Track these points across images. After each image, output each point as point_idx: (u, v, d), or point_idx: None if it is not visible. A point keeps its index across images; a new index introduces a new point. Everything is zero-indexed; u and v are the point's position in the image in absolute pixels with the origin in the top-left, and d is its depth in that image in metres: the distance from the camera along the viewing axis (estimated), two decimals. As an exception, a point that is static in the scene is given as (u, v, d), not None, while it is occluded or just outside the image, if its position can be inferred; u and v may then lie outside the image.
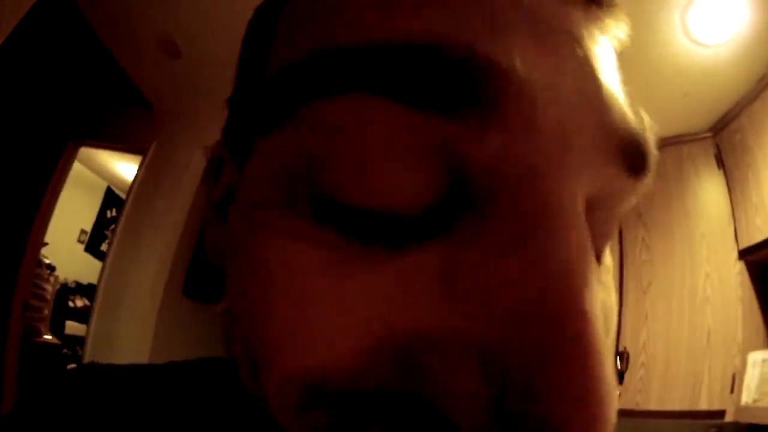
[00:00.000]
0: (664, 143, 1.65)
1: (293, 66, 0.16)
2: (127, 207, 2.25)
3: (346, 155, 0.14)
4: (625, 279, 1.69)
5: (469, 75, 0.13)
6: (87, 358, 2.19)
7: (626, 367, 1.59)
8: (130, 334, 2.11)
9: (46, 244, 2.81)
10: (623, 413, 1.54)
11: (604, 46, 0.17)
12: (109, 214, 4.94)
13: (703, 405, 1.40)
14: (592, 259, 0.12)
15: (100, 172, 4.47)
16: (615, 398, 0.12)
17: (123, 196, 4.81)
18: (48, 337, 3.13)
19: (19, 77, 2.20)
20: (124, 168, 3.89)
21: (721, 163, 1.52)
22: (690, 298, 1.53)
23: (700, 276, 1.52)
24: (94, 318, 2.20)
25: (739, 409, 1.32)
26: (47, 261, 3.39)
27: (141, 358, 2.03)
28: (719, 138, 1.57)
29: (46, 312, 3.22)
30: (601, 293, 0.15)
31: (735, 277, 1.42)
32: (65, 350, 3.63)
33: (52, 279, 3.49)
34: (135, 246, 2.17)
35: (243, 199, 0.19)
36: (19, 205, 2.54)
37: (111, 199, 4.94)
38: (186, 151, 2.18)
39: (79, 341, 4.05)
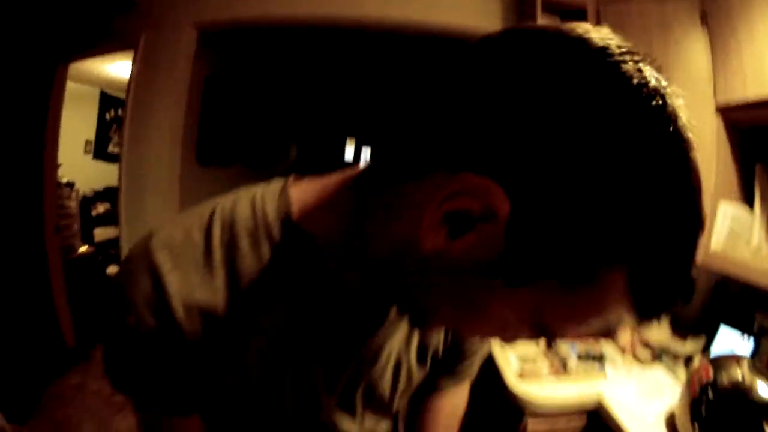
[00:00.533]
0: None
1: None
2: (130, 100, 2.34)
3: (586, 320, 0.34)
4: None
5: None
6: (124, 252, 2.43)
7: None
8: (157, 212, 2.36)
9: (60, 165, 2.92)
10: None
11: None
12: (108, 117, 5.01)
13: None
14: None
15: (90, 80, 4.40)
16: None
17: (117, 95, 4.84)
18: (83, 249, 3.36)
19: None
20: (114, 68, 3.83)
21: (705, 22, 1.50)
22: None
23: None
24: (123, 209, 2.41)
25: (708, 254, 1.50)
26: (64, 180, 3.53)
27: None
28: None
29: (75, 227, 3.44)
30: None
31: (711, 128, 1.50)
32: (100, 257, 3.93)
33: (73, 195, 3.64)
34: (145, 134, 2.33)
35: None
36: (27, 137, 2.62)
37: (106, 101, 4.96)
38: (174, 31, 2.24)
39: (111, 244, 4.39)
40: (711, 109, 1.49)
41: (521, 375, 1.59)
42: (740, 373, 1.17)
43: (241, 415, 0.52)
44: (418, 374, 0.63)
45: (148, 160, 2.33)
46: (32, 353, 2.64)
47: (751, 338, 1.56)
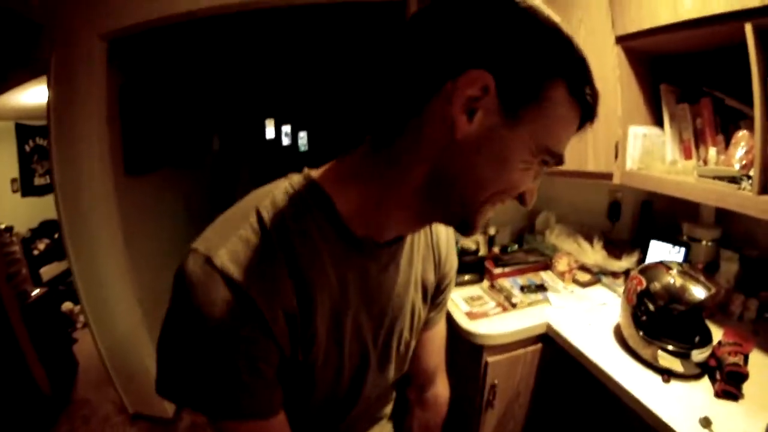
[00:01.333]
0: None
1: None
2: (52, 123, 2.27)
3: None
4: None
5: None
6: (79, 282, 2.42)
7: None
8: (101, 233, 2.36)
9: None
10: None
11: None
12: (27, 148, 4.76)
13: (591, 167, 1.70)
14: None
15: (2, 116, 4.17)
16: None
17: (33, 123, 4.60)
18: (36, 291, 3.24)
19: None
20: (27, 96, 3.64)
21: None
22: None
23: None
24: (67, 238, 2.37)
25: (625, 173, 1.62)
26: (2, 225, 3.38)
27: (117, 243, 2.37)
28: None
29: (24, 271, 3.29)
30: None
31: (613, 59, 1.60)
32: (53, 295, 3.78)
33: (14, 239, 3.49)
34: (73, 155, 2.28)
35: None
36: None
37: (23, 132, 4.69)
38: (84, 45, 2.19)
39: (59, 280, 4.25)
40: (611, 41, 1.59)
41: (470, 315, 1.68)
42: (670, 277, 1.30)
43: (305, 394, 0.62)
44: (424, 314, 0.79)
45: (81, 183, 2.29)
46: (14, 412, 2.58)
47: (681, 248, 1.71)
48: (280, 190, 0.58)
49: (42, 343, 2.98)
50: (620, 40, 1.58)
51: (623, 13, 1.53)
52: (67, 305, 4.09)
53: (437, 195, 0.54)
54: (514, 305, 1.72)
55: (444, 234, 0.81)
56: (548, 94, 0.49)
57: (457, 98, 0.48)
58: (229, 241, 0.52)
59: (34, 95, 3.52)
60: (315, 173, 0.61)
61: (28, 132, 4.67)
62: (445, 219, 0.59)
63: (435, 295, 0.82)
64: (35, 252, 4.38)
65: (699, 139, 1.53)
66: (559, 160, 0.54)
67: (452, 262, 0.84)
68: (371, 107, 0.56)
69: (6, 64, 2.41)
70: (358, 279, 0.61)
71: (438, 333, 0.92)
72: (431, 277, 0.78)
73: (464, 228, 0.57)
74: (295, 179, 0.60)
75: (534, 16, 0.48)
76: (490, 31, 0.48)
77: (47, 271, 4.30)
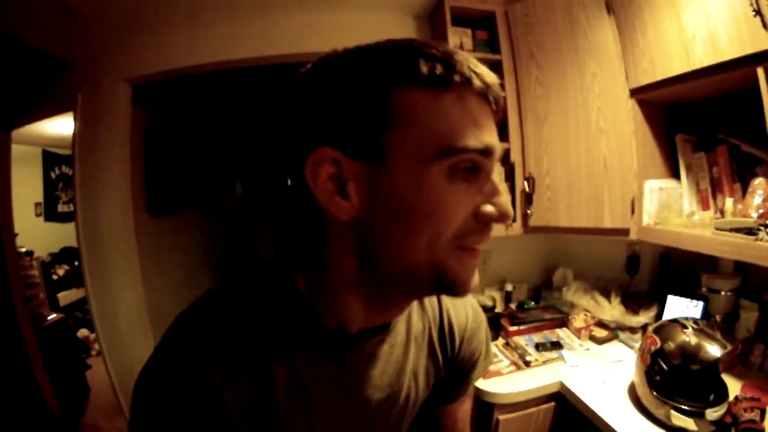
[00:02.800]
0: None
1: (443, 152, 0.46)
2: (77, 159, 2.41)
3: None
4: (523, 111, 1.92)
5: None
6: (95, 311, 2.50)
7: (533, 190, 1.90)
8: (120, 267, 2.44)
9: (16, 234, 2.92)
10: (539, 229, 1.91)
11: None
12: (53, 175, 4.98)
13: (607, 224, 1.72)
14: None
15: (29, 141, 4.37)
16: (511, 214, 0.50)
17: (59, 152, 4.82)
18: (52, 316, 3.36)
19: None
20: (54, 125, 3.82)
21: (611, 9, 1.63)
22: (585, 129, 1.74)
23: (593, 110, 1.71)
24: (86, 268, 2.47)
25: (642, 229, 1.63)
26: (23, 249, 3.51)
27: (134, 278, 2.45)
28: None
29: (42, 296, 3.42)
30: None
31: (627, 112, 1.63)
32: (70, 321, 3.90)
33: (34, 263, 3.62)
34: (95, 190, 2.40)
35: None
36: None
37: (50, 159, 4.92)
38: (109, 87, 2.32)
39: (76, 306, 4.36)
40: (625, 93, 1.62)
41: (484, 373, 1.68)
42: (684, 336, 1.30)
43: None
44: (423, 396, 0.75)
45: (102, 217, 2.40)
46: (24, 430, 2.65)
47: (699, 302, 1.70)
48: (262, 283, 0.58)
49: (55, 367, 3.10)
50: (634, 92, 1.62)
51: (636, 64, 1.57)
52: (82, 332, 4.21)
53: (381, 277, 0.51)
54: (528, 364, 1.73)
55: (464, 316, 0.79)
56: (396, 107, 0.45)
57: (318, 189, 0.48)
58: (211, 331, 0.52)
59: (61, 125, 3.71)
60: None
61: (54, 159, 4.91)
62: (413, 293, 0.57)
63: (454, 379, 0.81)
64: (54, 277, 4.55)
65: (716, 188, 1.53)
66: (486, 149, 0.47)
67: (477, 345, 0.81)
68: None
69: (32, 96, 2.61)
70: (332, 372, 0.59)
71: (463, 409, 0.91)
72: (432, 366, 0.75)
73: (448, 290, 0.51)
74: (276, 273, 0.59)
75: (344, 59, 0.49)
76: (306, 105, 0.50)
77: (65, 297, 4.45)
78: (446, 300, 0.78)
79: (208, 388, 0.48)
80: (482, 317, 0.84)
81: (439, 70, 0.45)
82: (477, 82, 0.47)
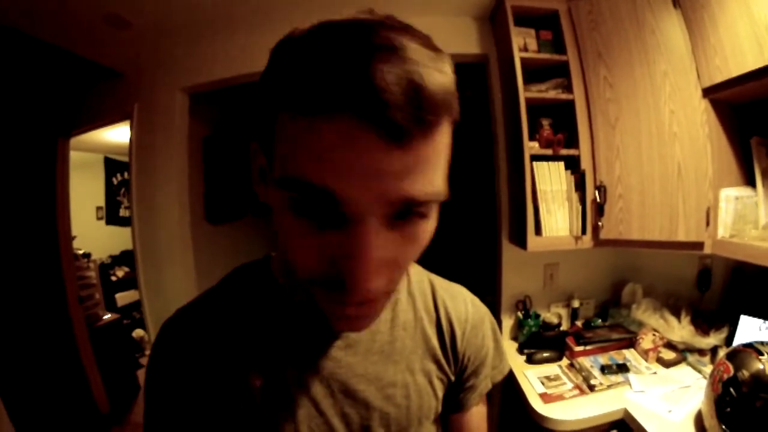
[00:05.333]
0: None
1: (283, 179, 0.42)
2: (134, 166, 2.60)
3: None
4: (592, 116, 1.85)
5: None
6: (148, 315, 2.70)
7: (605, 199, 1.82)
8: (175, 273, 2.58)
9: (74, 237, 3.14)
10: (610, 242, 1.83)
11: (404, 160, 0.40)
12: (115, 181, 5.39)
13: (681, 236, 1.63)
14: (376, 245, 0.42)
15: (91, 148, 4.72)
16: (371, 286, 0.42)
17: (120, 158, 5.15)
18: (107, 316, 3.59)
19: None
20: (114, 134, 4.10)
21: (677, 2, 1.57)
22: (658, 133, 1.68)
23: (665, 113, 1.65)
24: (141, 273, 2.65)
25: (716, 242, 1.55)
26: (81, 251, 3.76)
27: (189, 284, 2.59)
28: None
29: (97, 296, 3.68)
30: (409, 239, 0.46)
31: (701, 114, 1.55)
32: (125, 321, 4.14)
33: (91, 265, 3.87)
34: (152, 198, 2.57)
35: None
36: (38, 214, 2.93)
37: (112, 166, 5.36)
38: (166, 97, 2.47)
39: (134, 306, 4.61)
40: (698, 93, 1.55)
41: (544, 397, 1.67)
42: (760, 364, 1.20)
43: None
44: (429, 398, 0.71)
45: (159, 223, 2.57)
46: (69, 423, 2.90)
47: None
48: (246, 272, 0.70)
49: (107, 364, 3.36)
50: (707, 92, 1.54)
51: (708, 62, 1.50)
52: (138, 332, 4.44)
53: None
54: (592, 388, 1.70)
55: (462, 308, 0.76)
56: (277, 123, 0.44)
57: (252, 174, 0.54)
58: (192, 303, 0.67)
59: (121, 134, 3.95)
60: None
61: (116, 166, 5.34)
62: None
63: (462, 380, 0.76)
64: (113, 278, 4.92)
65: (796, 196, 1.43)
66: (308, 188, 0.40)
67: (482, 339, 0.78)
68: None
69: (89, 104, 2.85)
70: (309, 357, 0.62)
71: (473, 416, 0.84)
72: (432, 363, 0.72)
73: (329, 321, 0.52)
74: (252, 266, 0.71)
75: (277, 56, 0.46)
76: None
77: (123, 297, 4.78)
78: (440, 290, 0.76)
79: (197, 362, 0.60)
80: (484, 309, 0.80)
81: (306, 91, 0.39)
82: (358, 103, 0.37)
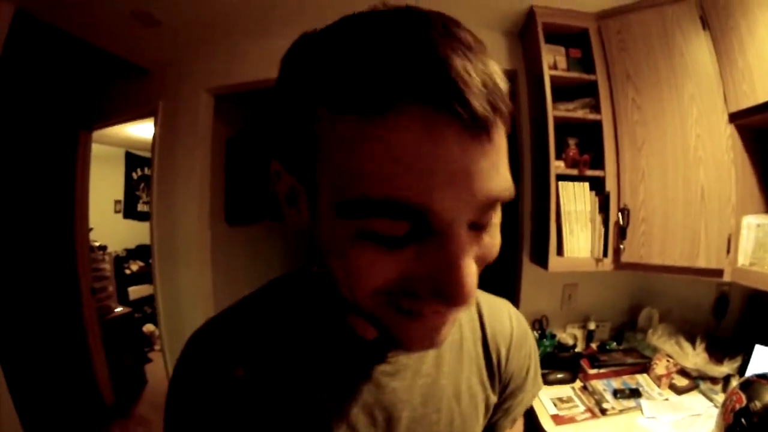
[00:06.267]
0: (645, 5, 1.75)
1: (347, 203, 0.35)
2: (155, 163, 2.67)
3: None
4: (619, 137, 1.85)
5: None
6: (161, 310, 2.74)
7: (627, 222, 1.81)
8: (191, 270, 2.62)
9: (91, 229, 3.23)
10: (631, 266, 1.82)
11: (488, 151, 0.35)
12: (135, 176, 5.52)
13: (702, 263, 1.63)
14: (468, 252, 0.37)
15: (113, 142, 4.85)
16: (471, 294, 0.37)
17: (142, 154, 5.25)
18: (119, 309, 3.67)
19: (15, 95, 2.60)
20: (136, 129, 4.20)
21: (706, 24, 1.58)
22: (683, 157, 1.68)
23: (691, 137, 1.66)
24: (157, 268, 2.71)
25: (736, 270, 1.54)
26: (97, 243, 3.87)
27: (204, 282, 2.63)
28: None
29: (111, 289, 3.77)
30: (487, 239, 0.41)
31: (726, 139, 1.56)
32: (137, 314, 4.21)
33: (106, 257, 3.96)
34: (172, 195, 2.63)
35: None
36: (57, 205, 3.04)
37: (132, 161, 5.48)
38: (191, 97, 2.53)
39: (146, 301, 4.68)
40: (724, 117, 1.57)
41: (556, 419, 1.67)
42: (774, 395, 1.19)
43: None
44: (473, 424, 0.66)
45: (177, 220, 2.63)
46: (72, 412, 2.98)
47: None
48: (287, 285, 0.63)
49: (116, 357, 3.45)
50: (734, 117, 1.55)
51: (735, 86, 1.52)
52: (148, 327, 4.53)
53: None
54: (604, 412, 1.70)
55: (507, 324, 0.72)
56: (321, 132, 0.37)
57: (280, 199, 0.48)
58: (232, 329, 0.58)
59: (143, 129, 4.05)
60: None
61: (136, 161, 5.50)
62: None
63: (504, 399, 0.72)
64: (127, 271, 5.04)
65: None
66: (383, 207, 0.34)
67: (525, 356, 0.73)
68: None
69: (112, 99, 2.94)
70: (351, 383, 0.57)
71: None
72: (478, 385, 0.67)
73: (394, 343, 0.46)
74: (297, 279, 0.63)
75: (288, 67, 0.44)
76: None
77: (136, 291, 4.90)
78: (485, 306, 0.72)
79: (228, 381, 0.53)
80: (525, 325, 0.76)
81: (365, 84, 0.33)
82: (441, 94, 0.32)
